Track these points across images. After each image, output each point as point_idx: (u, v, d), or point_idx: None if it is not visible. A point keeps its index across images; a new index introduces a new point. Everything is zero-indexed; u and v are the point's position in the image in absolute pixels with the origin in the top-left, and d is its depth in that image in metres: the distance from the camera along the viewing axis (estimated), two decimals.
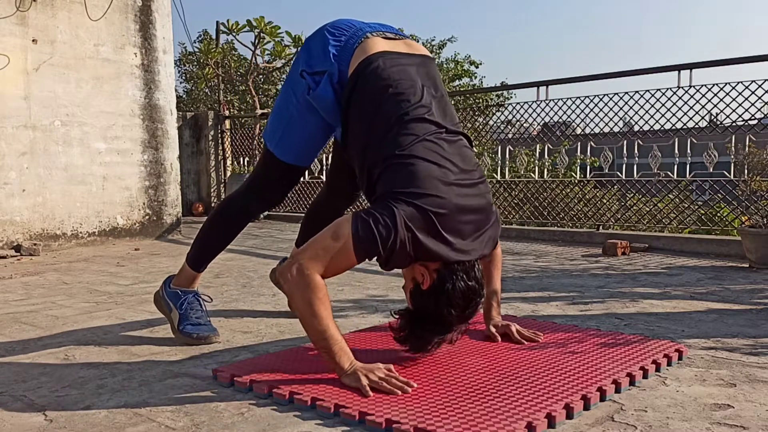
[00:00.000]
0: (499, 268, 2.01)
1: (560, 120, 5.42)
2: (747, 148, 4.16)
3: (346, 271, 1.65)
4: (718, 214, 4.68)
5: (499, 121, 6.37)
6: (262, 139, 7.65)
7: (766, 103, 4.28)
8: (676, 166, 4.75)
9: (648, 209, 5.18)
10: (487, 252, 1.74)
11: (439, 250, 1.59)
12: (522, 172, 5.78)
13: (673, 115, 4.66)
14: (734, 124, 4.43)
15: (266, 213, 7.25)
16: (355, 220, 1.57)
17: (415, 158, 1.62)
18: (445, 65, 20.05)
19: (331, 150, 2.02)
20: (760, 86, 4.25)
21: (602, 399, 1.51)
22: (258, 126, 7.58)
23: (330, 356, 1.58)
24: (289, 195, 7.74)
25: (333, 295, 2.83)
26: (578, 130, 5.74)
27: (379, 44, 1.80)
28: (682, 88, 4.58)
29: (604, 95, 5.03)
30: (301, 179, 7.35)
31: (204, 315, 2.11)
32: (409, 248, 1.57)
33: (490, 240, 1.73)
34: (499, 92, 12.24)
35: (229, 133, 8.26)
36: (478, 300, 1.67)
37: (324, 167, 7.04)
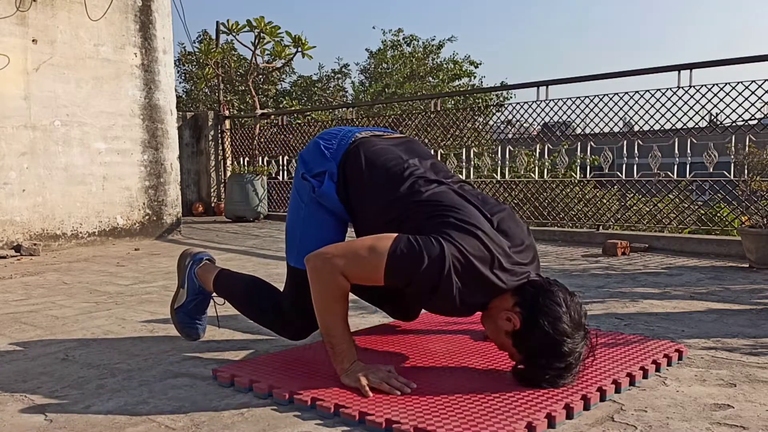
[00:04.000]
0: None
1: (560, 120, 5.42)
2: (747, 148, 4.16)
3: (369, 284, 1.58)
4: (718, 214, 4.68)
5: (499, 121, 6.37)
6: (261, 140, 7.69)
7: (766, 103, 4.28)
8: (676, 166, 4.75)
9: (648, 209, 5.18)
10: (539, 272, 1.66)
11: (499, 277, 1.52)
12: (522, 172, 5.78)
13: (673, 115, 4.66)
14: (734, 124, 4.43)
15: (266, 213, 7.25)
16: (398, 239, 1.50)
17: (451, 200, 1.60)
18: (444, 65, 20.02)
19: None
20: (760, 86, 4.25)
21: (602, 399, 1.51)
22: (258, 126, 7.59)
23: (334, 353, 1.58)
24: (287, 196, 7.73)
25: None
26: (578, 130, 5.74)
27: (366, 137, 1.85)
28: (682, 88, 4.58)
29: (604, 95, 5.03)
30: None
31: (204, 317, 2.12)
32: (460, 281, 1.48)
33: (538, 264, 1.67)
34: (499, 92, 12.24)
35: (229, 133, 8.27)
36: (579, 302, 1.56)
37: None
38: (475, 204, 1.63)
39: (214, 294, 2.08)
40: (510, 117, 5.79)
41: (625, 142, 4.95)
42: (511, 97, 13.23)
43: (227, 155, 8.24)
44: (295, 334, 1.90)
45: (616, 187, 5.45)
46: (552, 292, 1.53)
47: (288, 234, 1.89)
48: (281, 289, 1.94)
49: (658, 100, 4.72)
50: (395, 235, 1.52)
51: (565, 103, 5.23)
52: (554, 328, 1.48)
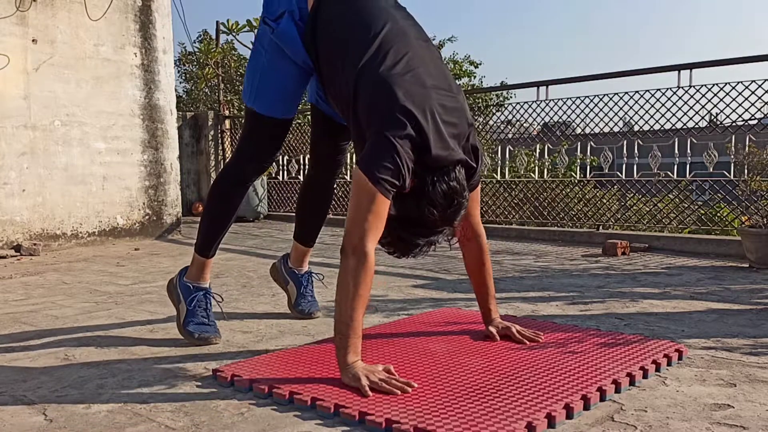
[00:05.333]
0: (489, 268, 2.00)
1: (560, 120, 5.42)
2: (747, 148, 4.16)
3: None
4: (718, 214, 4.68)
5: (499, 121, 6.37)
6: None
7: (766, 103, 4.28)
8: (676, 166, 4.75)
9: (648, 209, 5.18)
10: (468, 158, 1.73)
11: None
12: (522, 172, 5.78)
13: (673, 115, 4.66)
14: (734, 124, 4.43)
15: (266, 213, 7.25)
16: (360, 167, 1.58)
17: (396, 77, 1.65)
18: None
19: (308, 143, 2.16)
20: (760, 86, 4.24)
21: (602, 399, 1.51)
22: None
23: (341, 344, 1.58)
24: (286, 196, 7.71)
25: (332, 294, 2.84)
26: (578, 130, 5.74)
27: None
28: (682, 88, 4.58)
29: (604, 95, 5.03)
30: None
31: (211, 314, 2.12)
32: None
33: (472, 146, 1.75)
34: (499, 92, 12.24)
35: (229, 133, 8.26)
36: (461, 201, 1.66)
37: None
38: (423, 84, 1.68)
39: (213, 290, 2.13)
40: (510, 117, 5.79)
41: (625, 142, 4.95)
42: (511, 97, 13.24)
43: (227, 155, 8.23)
44: (257, 169, 2.06)
45: (616, 187, 5.45)
46: (449, 186, 1.63)
47: (247, 76, 1.99)
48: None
49: (658, 100, 4.72)
50: (361, 181, 1.57)
51: (565, 103, 5.24)
52: (428, 210, 1.62)
